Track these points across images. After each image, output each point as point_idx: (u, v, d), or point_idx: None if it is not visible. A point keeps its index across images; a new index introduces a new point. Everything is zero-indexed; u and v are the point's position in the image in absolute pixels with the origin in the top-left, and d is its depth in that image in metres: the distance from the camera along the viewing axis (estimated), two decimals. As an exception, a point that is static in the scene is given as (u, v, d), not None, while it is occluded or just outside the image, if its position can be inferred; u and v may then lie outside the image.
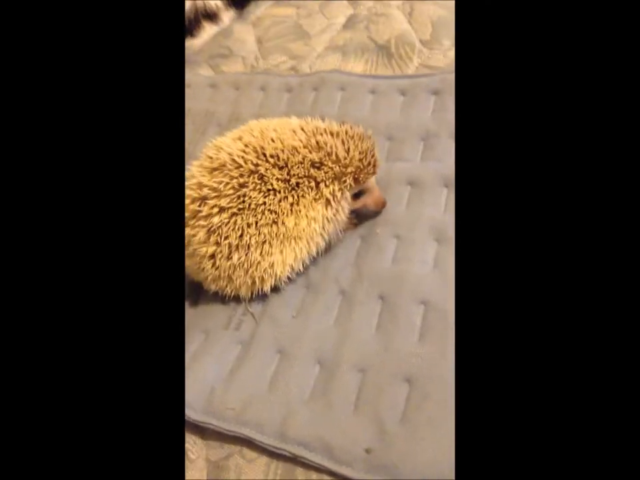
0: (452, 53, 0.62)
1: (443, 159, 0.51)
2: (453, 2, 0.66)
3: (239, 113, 0.63)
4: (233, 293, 0.44)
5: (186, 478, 0.37)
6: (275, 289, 0.45)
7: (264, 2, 0.81)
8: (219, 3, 0.78)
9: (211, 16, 0.78)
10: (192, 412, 0.38)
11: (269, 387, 0.39)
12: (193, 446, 0.39)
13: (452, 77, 0.57)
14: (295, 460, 0.35)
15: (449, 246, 0.44)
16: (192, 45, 0.76)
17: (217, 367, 0.41)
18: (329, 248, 0.47)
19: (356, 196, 0.46)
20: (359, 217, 0.49)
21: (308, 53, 0.69)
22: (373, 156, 0.45)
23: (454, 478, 0.25)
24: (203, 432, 0.39)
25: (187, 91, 0.68)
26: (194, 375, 0.40)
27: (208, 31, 0.78)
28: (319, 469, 0.35)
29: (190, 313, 0.45)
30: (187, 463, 0.38)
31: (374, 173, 0.46)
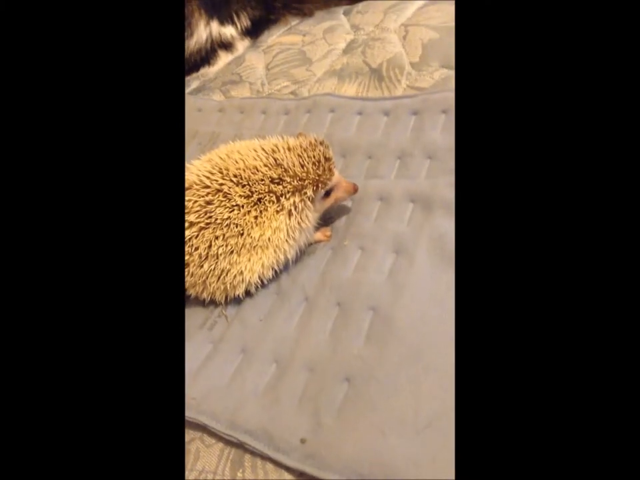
0: (438, 74, 0.64)
1: (415, 177, 0.54)
2: (445, 24, 0.70)
3: (241, 134, 0.69)
4: (209, 297, 0.49)
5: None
6: (249, 294, 0.50)
7: (276, 31, 0.87)
8: (234, 33, 0.85)
9: (227, 45, 0.85)
10: (162, 401, 0.43)
11: (228, 382, 0.43)
12: (165, 431, 0.44)
13: (433, 97, 0.60)
14: (243, 447, 0.40)
15: (406, 257, 0.47)
16: (208, 72, 0.84)
17: (188, 363, 0.46)
18: (300, 255, 0.51)
19: (327, 194, 0.50)
20: (337, 213, 0.53)
21: (308, 77, 0.74)
22: (327, 160, 0.49)
23: (453, 478, 0.26)
24: (174, 419, 0.44)
25: (198, 115, 0.75)
26: (168, 369, 0.45)
27: (223, 59, 0.85)
28: (262, 456, 0.39)
29: (174, 314, 0.51)
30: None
31: (331, 175, 0.49)
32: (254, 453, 0.39)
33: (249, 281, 0.48)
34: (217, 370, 0.45)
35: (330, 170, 0.49)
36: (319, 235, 0.52)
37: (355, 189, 0.51)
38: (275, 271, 0.50)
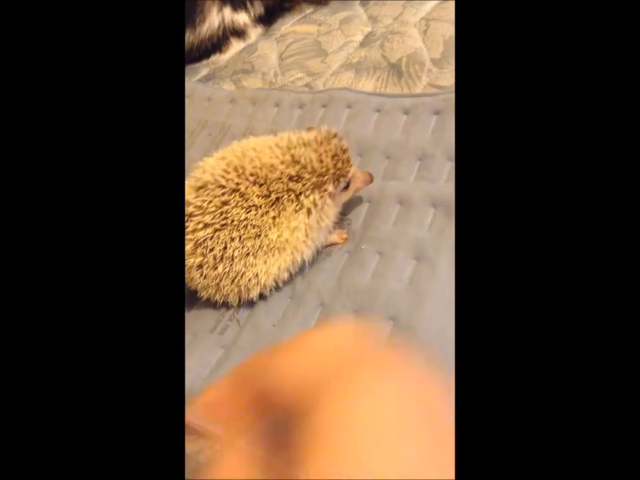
0: (460, 73, 0.62)
1: (436, 180, 0.52)
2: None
3: (252, 127, 0.67)
4: (222, 300, 0.47)
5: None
6: (262, 297, 0.48)
7: (290, 19, 0.85)
8: (247, 20, 0.83)
9: (239, 33, 0.82)
10: (171, 407, 0.42)
11: (241, 389, 0.42)
12: (173, 438, 0.42)
13: (453, 96, 0.58)
14: (256, 459, 0.38)
15: (427, 265, 0.45)
16: (218, 59, 0.81)
17: (198, 368, 0.44)
18: (317, 256, 0.49)
19: (345, 187, 0.48)
20: (353, 215, 0.52)
21: (324, 70, 0.72)
22: (344, 152, 0.47)
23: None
24: (183, 426, 0.43)
25: (208, 104, 0.73)
26: (177, 373, 0.44)
27: (235, 47, 0.82)
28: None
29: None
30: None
31: (349, 167, 0.48)
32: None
33: (264, 284, 0.46)
34: (228, 376, 0.43)
35: (348, 161, 0.47)
36: (334, 237, 0.51)
37: (371, 178, 0.50)
38: (290, 274, 0.48)
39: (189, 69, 0.83)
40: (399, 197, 0.52)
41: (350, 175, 0.48)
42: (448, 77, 0.63)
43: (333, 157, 0.46)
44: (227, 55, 0.82)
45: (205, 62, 0.83)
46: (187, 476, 0.40)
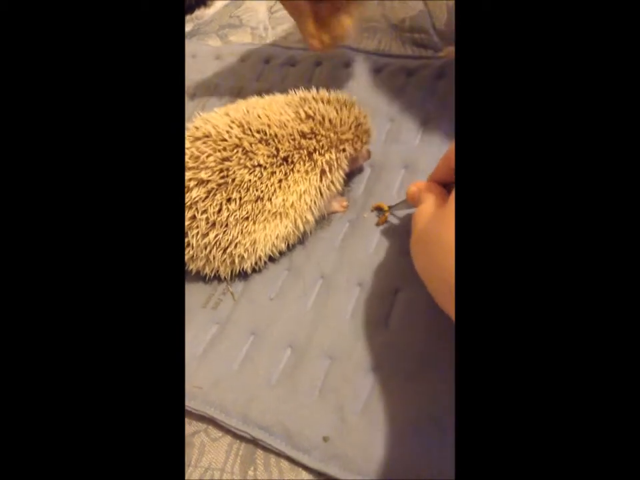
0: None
1: (440, 144, 0.49)
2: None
3: (240, 86, 0.62)
4: (213, 273, 0.44)
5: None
6: (257, 269, 0.44)
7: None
8: (233, -29, 0.76)
9: (224, -16, 0.76)
10: (161, 387, 0.39)
11: (238, 369, 0.39)
12: (163, 420, 0.39)
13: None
14: (256, 442, 0.36)
15: (435, 235, 0.42)
16: (203, 14, 0.75)
17: (191, 346, 0.41)
18: (317, 230, 0.46)
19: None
20: (353, 181, 0.49)
21: (318, 25, 0.67)
22: (365, 122, 0.44)
23: (454, 478, 0.24)
24: (174, 407, 0.39)
25: (192, 62, 0.67)
26: (167, 351, 0.40)
27: (221, 0, 0.76)
28: (276, 453, 0.35)
29: (172, 289, 0.46)
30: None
31: (368, 140, 0.45)
32: (266, 449, 0.35)
33: (260, 254, 0.43)
34: (224, 354, 0.40)
35: (368, 133, 0.44)
36: (334, 205, 0.47)
37: (369, 155, 0.47)
38: (287, 245, 0.44)
39: (170, 23, 0.76)
40: (403, 161, 0.49)
41: (362, 150, 0.44)
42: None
43: (355, 118, 0.42)
44: (211, 9, 0.76)
45: (188, 17, 0.77)
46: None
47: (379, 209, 0.46)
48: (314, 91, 0.44)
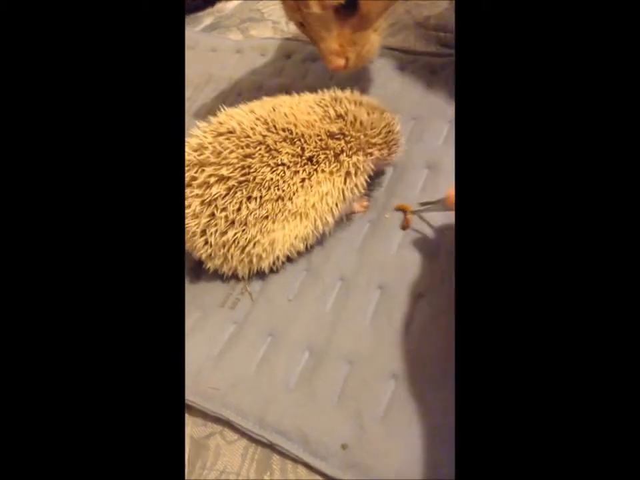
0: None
1: (467, 143, 0.47)
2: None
3: (261, 81, 0.61)
4: (230, 272, 0.43)
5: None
6: (275, 269, 0.44)
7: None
8: (255, -36, 0.75)
9: (246, -23, 0.75)
10: (178, 388, 0.38)
11: (255, 371, 0.38)
12: (179, 420, 0.39)
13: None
14: (272, 447, 0.35)
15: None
16: (224, 7, 0.74)
17: (208, 346, 0.40)
18: (336, 230, 0.45)
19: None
20: (375, 180, 0.47)
21: (340, 20, 0.66)
22: (397, 128, 0.43)
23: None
24: (190, 408, 0.39)
25: (213, 55, 0.67)
26: (185, 353, 0.40)
27: (241, -7, 0.75)
28: (294, 459, 0.34)
29: (190, 289, 0.45)
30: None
31: (397, 147, 0.43)
32: (283, 454, 0.35)
33: (278, 254, 0.42)
34: (240, 355, 0.39)
35: (397, 143, 0.42)
36: (355, 205, 0.46)
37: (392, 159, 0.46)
38: (306, 245, 0.43)
39: (191, 18, 0.76)
40: (426, 162, 0.47)
41: (389, 158, 0.43)
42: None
43: (387, 125, 0.41)
44: (232, 2, 0.75)
45: (209, 10, 0.76)
46: (193, 459, 0.37)
47: (401, 210, 0.44)
48: (347, 91, 0.43)
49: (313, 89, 0.45)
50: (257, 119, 0.40)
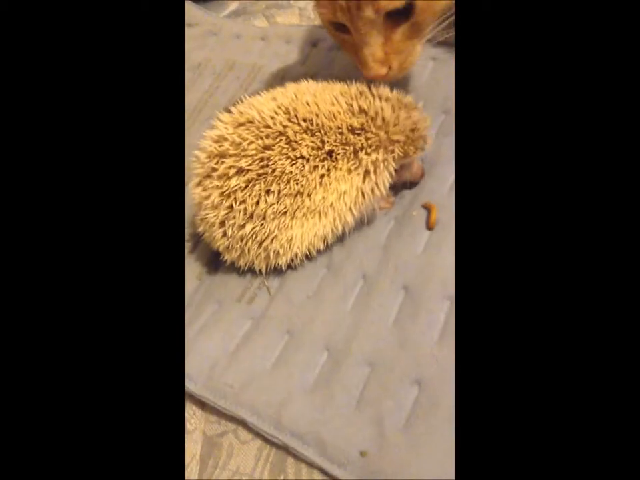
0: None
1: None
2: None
3: (285, 69, 0.59)
4: (247, 266, 0.42)
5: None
6: (293, 265, 0.42)
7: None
8: (282, -52, 0.73)
9: (272, -38, 0.73)
10: (192, 384, 0.37)
11: (271, 369, 0.37)
12: (192, 417, 0.38)
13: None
14: (287, 449, 0.34)
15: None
16: (249, -7, 0.72)
17: (223, 341, 0.39)
18: (359, 226, 0.43)
19: (395, 170, 0.41)
20: (396, 192, 0.44)
21: (369, 7, 0.63)
22: (425, 127, 0.40)
23: None
24: (204, 404, 0.38)
25: (237, 42, 0.65)
26: (199, 347, 0.39)
27: (268, -22, 0.73)
28: (309, 463, 0.33)
29: (207, 281, 0.44)
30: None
31: (423, 149, 0.41)
32: (298, 457, 0.33)
33: (296, 252, 0.40)
34: (257, 352, 0.38)
35: (425, 141, 0.40)
36: (380, 201, 0.44)
37: (423, 175, 0.44)
38: (326, 243, 0.42)
39: (216, 3, 0.74)
40: (456, 157, 0.45)
41: (413, 156, 0.41)
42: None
43: (413, 122, 0.39)
44: (258, -13, 0.73)
45: (233, -5, 0.74)
46: (205, 456, 0.36)
47: (426, 208, 0.42)
48: (375, 85, 0.40)
49: (338, 79, 0.43)
50: (278, 107, 0.38)
